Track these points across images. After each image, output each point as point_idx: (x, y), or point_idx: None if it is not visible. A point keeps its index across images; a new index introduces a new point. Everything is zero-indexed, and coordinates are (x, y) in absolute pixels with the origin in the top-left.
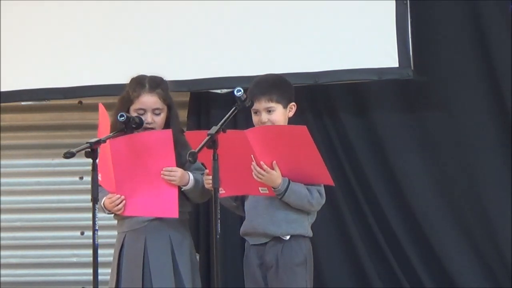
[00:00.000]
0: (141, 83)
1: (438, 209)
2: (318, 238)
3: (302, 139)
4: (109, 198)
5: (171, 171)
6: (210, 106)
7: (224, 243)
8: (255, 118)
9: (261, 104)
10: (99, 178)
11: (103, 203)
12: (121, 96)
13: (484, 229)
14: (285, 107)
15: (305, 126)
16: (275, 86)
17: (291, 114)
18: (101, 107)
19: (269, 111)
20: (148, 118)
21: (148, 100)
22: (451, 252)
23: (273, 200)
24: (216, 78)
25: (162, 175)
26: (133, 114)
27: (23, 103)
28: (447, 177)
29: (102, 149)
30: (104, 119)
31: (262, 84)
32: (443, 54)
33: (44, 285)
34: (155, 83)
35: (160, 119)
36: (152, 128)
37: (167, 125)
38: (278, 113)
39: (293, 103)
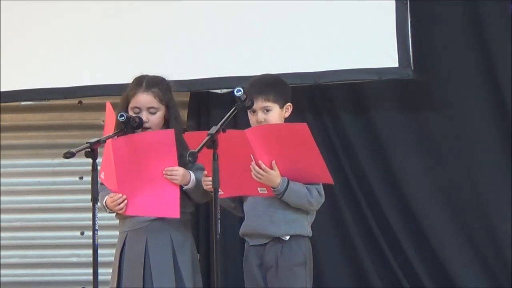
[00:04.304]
0: (139, 82)
1: (438, 209)
2: (318, 238)
3: (302, 137)
4: (111, 197)
5: (172, 170)
6: (210, 106)
7: (224, 243)
8: (251, 118)
9: (258, 103)
10: (102, 176)
11: (105, 202)
12: (122, 95)
13: (484, 229)
14: (281, 107)
15: (306, 123)
16: (272, 85)
17: (287, 114)
18: (108, 106)
19: (266, 110)
20: (143, 117)
21: (143, 98)
22: (451, 252)
23: (272, 200)
24: (216, 78)
25: (164, 175)
26: (131, 112)
27: (23, 103)
28: (447, 177)
29: (106, 148)
30: (110, 118)
31: (259, 84)
32: (443, 54)
33: (44, 285)
34: (152, 82)
35: (156, 118)
36: (148, 128)
37: (167, 125)
38: (275, 113)
39: (289, 104)
